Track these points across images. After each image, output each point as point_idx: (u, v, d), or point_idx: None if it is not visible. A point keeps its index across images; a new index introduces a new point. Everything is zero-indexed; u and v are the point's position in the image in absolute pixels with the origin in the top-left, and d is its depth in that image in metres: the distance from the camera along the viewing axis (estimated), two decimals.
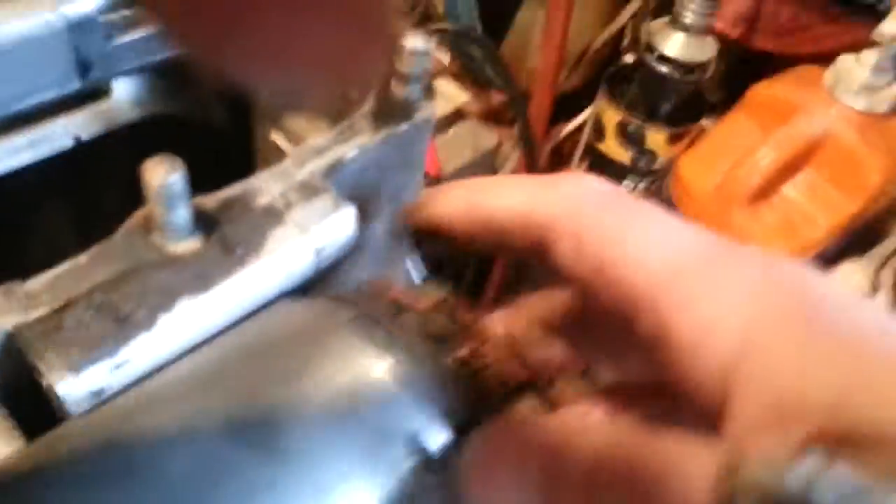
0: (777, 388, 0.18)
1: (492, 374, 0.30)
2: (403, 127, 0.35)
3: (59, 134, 0.44)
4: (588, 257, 0.23)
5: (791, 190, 0.98)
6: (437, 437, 0.26)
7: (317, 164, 0.33)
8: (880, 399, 0.17)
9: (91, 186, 0.50)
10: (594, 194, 0.25)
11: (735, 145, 0.97)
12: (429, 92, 0.37)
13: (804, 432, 0.17)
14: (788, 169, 0.95)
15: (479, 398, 0.28)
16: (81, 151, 0.46)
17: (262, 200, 0.31)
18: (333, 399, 0.26)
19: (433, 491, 0.26)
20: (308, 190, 0.32)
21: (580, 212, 0.24)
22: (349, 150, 0.34)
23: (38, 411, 0.26)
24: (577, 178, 0.27)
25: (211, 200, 0.31)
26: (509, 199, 0.26)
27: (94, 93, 0.47)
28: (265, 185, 0.32)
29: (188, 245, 0.29)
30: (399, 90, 0.35)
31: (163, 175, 0.26)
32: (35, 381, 0.26)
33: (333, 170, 0.34)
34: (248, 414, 0.25)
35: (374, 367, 0.27)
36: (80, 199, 0.51)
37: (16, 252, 0.50)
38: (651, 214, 0.24)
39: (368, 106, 0.36)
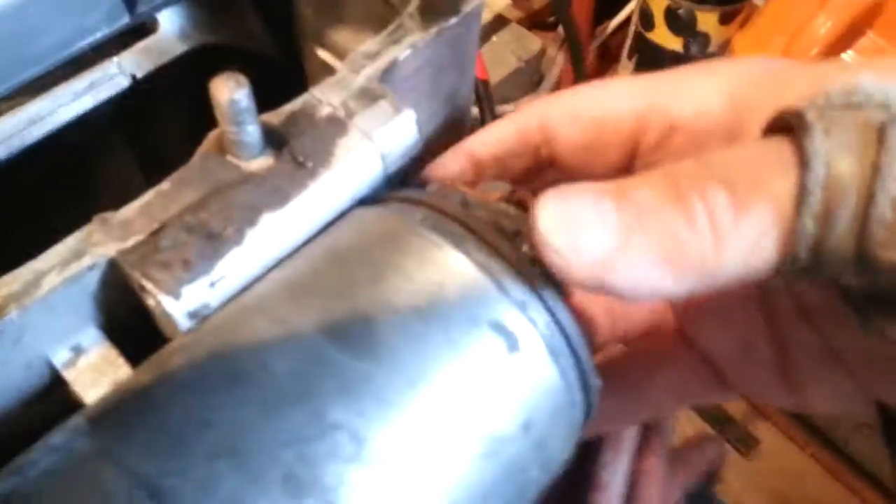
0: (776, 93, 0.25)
1: None
2: (452, 21, 0.35)
3: (114, 74, 0.45)
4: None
5: (855, 57, 0.93)
6: (518, 321, 0.27)
7: (371, 70, 0.33)
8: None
9: (149, 124, 0.51)
10: None
11: (791, 17, 0.92)
12: None
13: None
14: (849, 35, 0.89)
15: (552, 283, 0.28)
16: (138, 90, 0.47)
17: (324, 111, 0.32)
18: (418, 294, 0.27)
19: (518, 373, 0.27)
20: (367, 96, 0.32)
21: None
22: (401, 51, 0.34)
23: (140, 341, 0.28)
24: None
25: (275, 116, 0.32)
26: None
27: (142, 30, 0.47)
28: (324, 97, 0.32)
29: (262, 162, 0.30)
30: None
31: (231, 90, 0.27)
32: (137, 310, 0.27)
33: (388, 73, 0.34)
34: (340, 315, 0.26)
35: (453, 259, 0.28)
36: (141, 138, 0.53)
37: (85, 196, 0.52)
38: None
39: (414, 4, 0.35)
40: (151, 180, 0.30)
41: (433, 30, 0.35)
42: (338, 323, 0.26)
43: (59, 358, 0.28)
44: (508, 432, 0.26)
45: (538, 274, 0.28)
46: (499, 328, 0.27)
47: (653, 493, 0.52)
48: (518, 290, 0.27)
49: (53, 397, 0.29)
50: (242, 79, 0.27)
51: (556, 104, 0.34)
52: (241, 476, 0.23)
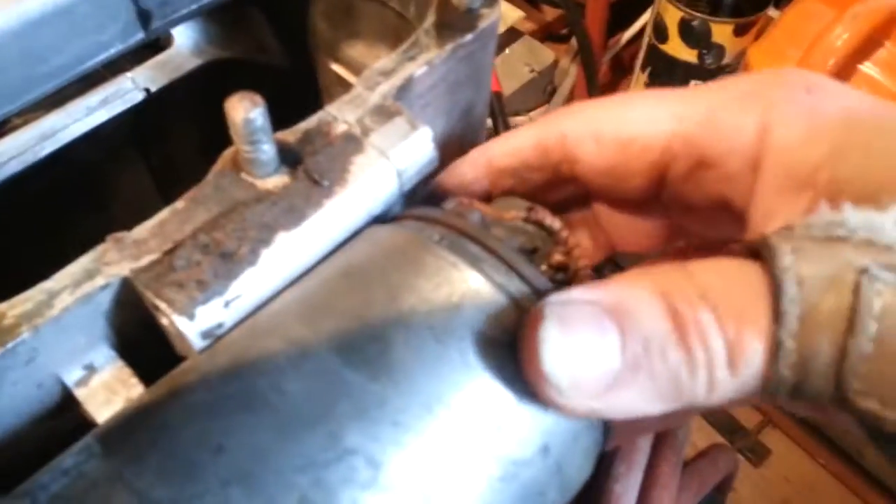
0: (786, 163, 0.25)
1: (583, 276, 0.30)
2: (468, 37, 0.35)
3: (129, 89, 0.45)
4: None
5: (870, 69, 0.92)
6: None
7: (387, 87, 0.33)
8: (869, 152, 0.23)
9: (164, 138, 0.51)
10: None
11: (806, 29, 0.91)
12: None
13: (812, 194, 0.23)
14: (866, 47, 0.88)
15: None
16: (152, 105, 0.47)
17: (340, 129, 0.31)
18: (434, 314, 0.26)
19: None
20: (382, 113, 0.32)
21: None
22: (417, 68, 0.33)
23: (155, 360, 0.27)
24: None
25: (290, 134, 0.31)
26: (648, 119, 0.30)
27: (156, 45, 0.47)
28: (340, 114, 0.32)
29: (277, 180, 0.29)
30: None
31: (246, 110, 0.27)
32: (151, 329, 0.27)
33: (404, 90, 0.33)
34: (355, 336, 0.26)
35: (470, 279, 0.27)
36: (155, 152, 0.53)
37: (100, 210, 0.52)
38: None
39: (430, 20, 0.35)
40: (166, 194, 0.29)
41: (449, 46, 0.34)
42: (353, 344, 0.26)
43: (72, 377, 0.28)
44: (526, 456, 0.26)
45: (555, 291, 0.27)
46: (515, 347, 0.26)
47: None
48: None
49: (66, 416, 0.29)
50: (258, 98, 0.27)
51: (577, 120, 0.31)
52: (256, 502, 0.22)
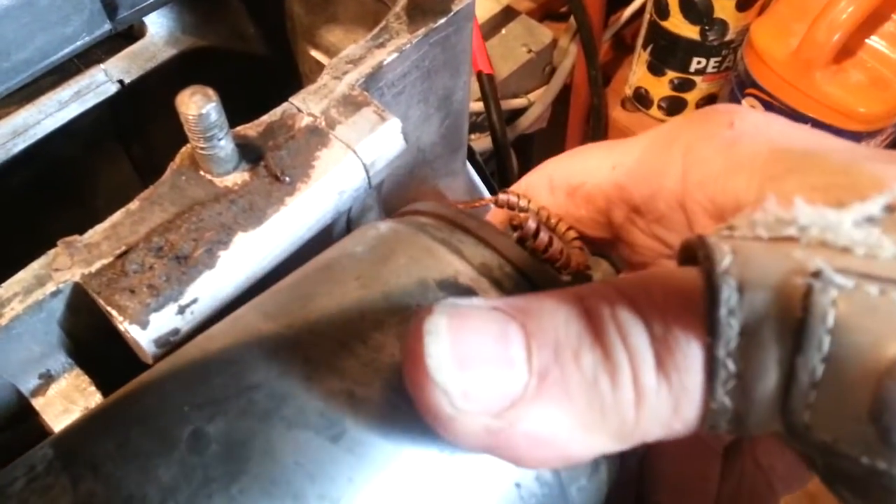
0: (710, 197, 0.23)
1: (562, 262, 0.29)
2: (441, 21, 0.33)
3: (102, 81, 0.44)
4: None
5: (878, 42, 0.89)
6: None
7: (355, 75, 0.31)
8: (801, 177, 0.20)
9: (143, 129, 0.50)
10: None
11: (811, 3, 0.88)
12: None
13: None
14: (872, 20, 0.85)
15: (551, 284, 0.26)
16: (127, 97, 0.45)
17: (304, 122, 0.30)
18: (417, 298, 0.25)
19: None
20: (350, 104, 0.31)
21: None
22: (386, 56, 0.32)
23: (121, 363, 0.26)
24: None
25: (252, 128, 0.30)
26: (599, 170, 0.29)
27: (129, 36, 0.46)
28: (305, 106, 0.30)
29: (236, 177, 0.28)
30: None
31: (198, 105, 0.25)
32: (112, 332, 0.26)
33: (373, 78, 0.32)
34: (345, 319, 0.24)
35: (453, 265, 0.26)
36: (135, 144, 0.51)
37: (82, 205, 0.51)
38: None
39: (401, 3, 0.33)
40: (148, 185, 0.28)
41: (421, 31, 0.33)
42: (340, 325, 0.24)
43: (28, 386, 0.27)
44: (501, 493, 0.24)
45: (536, 275, 0.26)
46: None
47: None
48: (516, 292, 0.25)
49: (24, 426, 0.28)
50: (211, 92, 0.26)
51: (538, 171, 0.31)
52: None
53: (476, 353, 0.18)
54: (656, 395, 0.18)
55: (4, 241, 0.45)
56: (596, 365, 0.18)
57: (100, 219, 0.28)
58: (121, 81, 0.45)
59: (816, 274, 0.16)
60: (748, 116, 0.24)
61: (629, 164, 0.27)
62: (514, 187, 0.33)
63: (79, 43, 0.38)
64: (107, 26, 0.39)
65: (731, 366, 0.17)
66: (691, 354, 0.17)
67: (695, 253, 0.19)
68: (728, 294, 0.17)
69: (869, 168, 0.19)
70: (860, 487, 0.17)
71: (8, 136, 0.42)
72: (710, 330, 0.17)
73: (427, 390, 0.18)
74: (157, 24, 0.46)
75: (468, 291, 0.25)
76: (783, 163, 0.21)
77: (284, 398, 0.21)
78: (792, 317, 0.16)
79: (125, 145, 0.52)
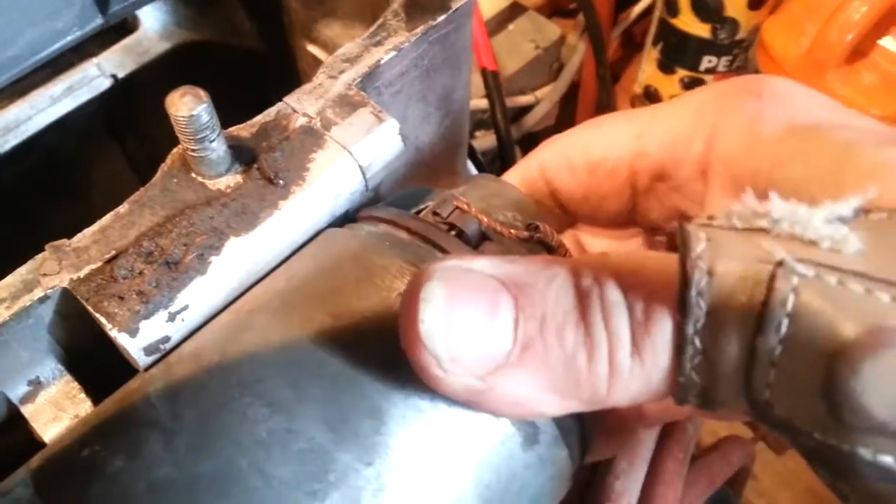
0: (730, 170, 0.24)
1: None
2: (441, 18, 0.32)
3: (94, 76, 0.43)
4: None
5: (891, 43, 0.88)
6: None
7: (351, 74, 0.31)
8: (809, 159, 0.21)
9: (137, 124, 0.49)
10: None
11: (824, 2, 0.87)
12: None
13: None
14: (886, 20, 0.84)
15: None
16: (121, 91, 0.45)
17: (299, 122, 0.29)
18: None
19: None
20: (346, 104, 0.30)
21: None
22: (384, 54, 0.31)
23: (113, 368, 0.26)
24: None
25: (246, 129, 0.29)
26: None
27: (122, 29, 0.45)
28: (300, 106, 0.30)
29: (229, 180, 0.27)
30: None
31: (187, 107, 0.25)
32: (103, 337, 0.26)
33: (370, 78, 0.31)
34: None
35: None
36: (130, 141, 0.51)
37: (77, 200, 0.50)
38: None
39: (399, 0, 0.33)
40: (146, 182, 0.28)
41: (420, 29, 0.32)
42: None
43: (16, 393, 0.26)
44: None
45: None
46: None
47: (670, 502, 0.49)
48: None
49: (14, 433, 0.27)
50: (202, 93, 0.25)
51: (551, 151, 0.32)
52: None
53: (466, 321, 0.20)
54: (629, 372, 0.20)
55: (5, 234, 0.44)
56: (577, 342, 0.20)
57: (95, 213, 0.27)
58: (114, 76, 0.44)
59: (781, 263, 0.18)
60: (776, 86, 0.25)
61: (657, 131, 0.28)
62: (524, 171, 0.32)
63: (70, 38, 0.37)
64: (99, 20, 0.38)
65: (698, 343, 0.19)
66: (665, 333, 0.19)
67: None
68: (698, 277, 0.18)
69: (866, 156, 0.20)
70: (823, 463, 0.18)
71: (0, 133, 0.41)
72: (680, 309, 0.19)
73: (419, 351, 0.20)
74: (151, 18, 0.45)
75: None
76: (795, 141, 0.22)
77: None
78: (755, 300, 0.18)
79: (119, 140, 0.51)
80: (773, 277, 0.17)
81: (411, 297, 0.20)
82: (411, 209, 0.30)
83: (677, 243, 0.19)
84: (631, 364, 0.19)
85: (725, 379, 0.18)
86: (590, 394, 0.20)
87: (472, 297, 0.20)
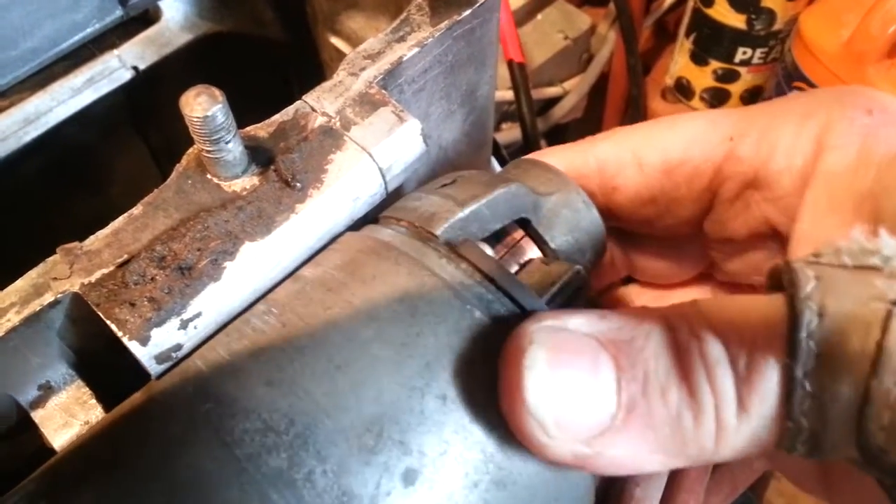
0: (833, 189, 0.23)
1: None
2: (466, 13, 0.31)
3: (115, 67, 0.42)
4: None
5: None
6: None
7: (373, 72, 0.29)
8: None
9: (160, 116, 0.49)
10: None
11: None
12: None
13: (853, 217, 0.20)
14: None
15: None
16: (143, 83, 0.44)
17: (318, 122, 0.28)
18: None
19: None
20: (366, 103, 0.29)
21: None
22: (407, 50, 0.30)
23: (125, 372, 0.25)
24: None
25: (263, 129, 0.28)
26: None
27: (144, 20, 0.44)
28: (319, 104, 0.29)
29: (245, 182, 0.26)
30: None
31: (202, 107, 0.24)
32: (115, 341, 0.25)
33: (392, 75, 0.30)
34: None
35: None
36: (153, 133, 0.50)
37: (98, 192, 0.50)
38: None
39: None
40: (167, 176, 0.27)
41: (444, 24, 0.31)
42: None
43: (27, 398, 0.26)
44: None
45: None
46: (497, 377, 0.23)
47: None
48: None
49: (23, 438, 0.27)
50: (217, 92, 0.24)
51: (617, 145, 0.29)
52: None
53: (569, 386, 0.19)
54: (736, 430, 0.19)
55: (20, 229, 0.44)
56: (681, 402, 0.19)
57: (115, 207, 0.27)
58: (135, 67, 0.43)
59: (895, 302, 0.17)
60: (888, 105, 0.24)
61: (755, 135, 0.26)
62: (575, 160, 0.30)
63: (89, 30, 0.37)
64: (118, 12, 0.37)
65: (808, 386, 0.18)
66: (771, 381, 0.18)
67: (781, 278, 0.19)
68: (809, 317, 0.18)
69: None
70: None
71: (19, 125, 0.40)
72: (789, 351, 0.18)
73: (523, 420, 0.20)
74: (173, 9, 0.44)
75: None
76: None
77: None
78: (870, 341, 0.17)
79: (141, 132, 0.50)
80: (888, 317, 0.17)
81: (513, 364, 0.20)
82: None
83: (784, 281, 0.19)
84: (738, 421, 0.19)
85: (837, 422, 0.18)
86: (697, 452, 0.20)
87: (573, 361, 0.20)
